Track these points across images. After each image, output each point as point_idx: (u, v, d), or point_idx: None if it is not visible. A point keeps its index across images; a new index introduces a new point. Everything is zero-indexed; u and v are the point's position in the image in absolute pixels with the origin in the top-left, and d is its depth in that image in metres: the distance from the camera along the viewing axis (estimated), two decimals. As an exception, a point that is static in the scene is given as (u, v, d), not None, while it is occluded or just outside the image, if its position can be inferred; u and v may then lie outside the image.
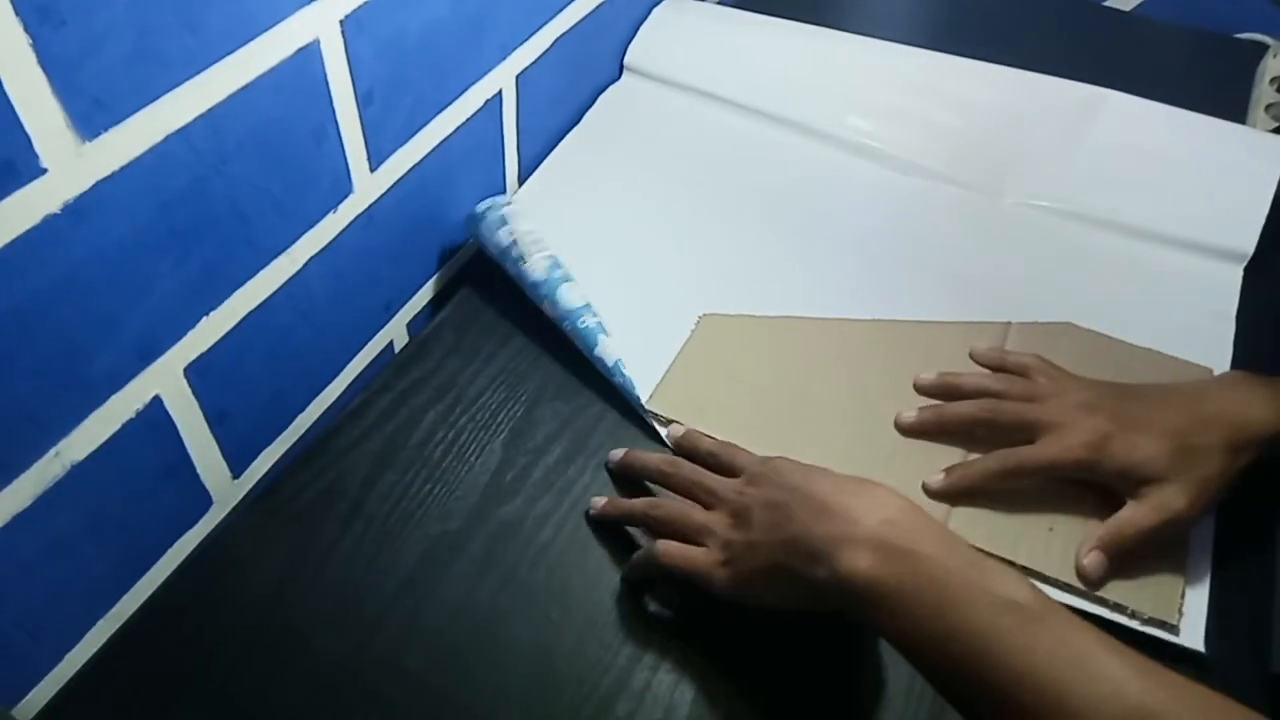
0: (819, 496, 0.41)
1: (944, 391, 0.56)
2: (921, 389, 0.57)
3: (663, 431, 0.55)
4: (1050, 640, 0.35)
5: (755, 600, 0.44)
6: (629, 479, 0.53)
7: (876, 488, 0.42)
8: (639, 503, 0.49)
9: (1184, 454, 0.48)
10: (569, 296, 0.58)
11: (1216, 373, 0.58)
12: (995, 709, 0.36)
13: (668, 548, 0.46)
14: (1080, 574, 0.48)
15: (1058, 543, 0.49)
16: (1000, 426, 0.52)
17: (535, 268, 0.59)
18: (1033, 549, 0.49)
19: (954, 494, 0.51)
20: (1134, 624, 0.47)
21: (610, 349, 0.56)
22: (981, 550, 0.47)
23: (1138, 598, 0.47)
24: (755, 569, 0.43)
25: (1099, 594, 0.48)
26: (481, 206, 0.62)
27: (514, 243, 0.60)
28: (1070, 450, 0.49)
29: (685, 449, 0.52)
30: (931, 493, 0.52)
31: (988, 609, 0.36)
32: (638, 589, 0.48)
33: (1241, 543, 0.51)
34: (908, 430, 0.55)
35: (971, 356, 0.58)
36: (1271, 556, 0.51)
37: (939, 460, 0.53)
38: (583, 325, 0.57)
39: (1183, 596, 0.48)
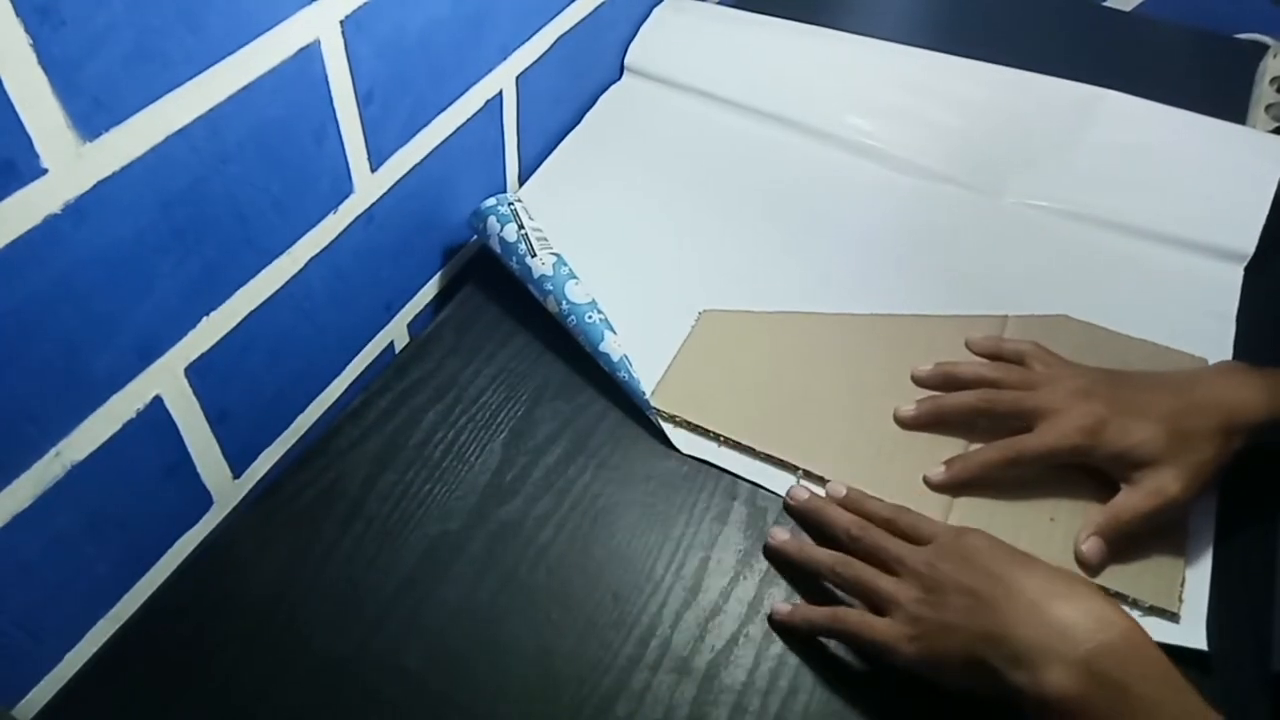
0: (1028, 595, 0.40)
1: (942, 382, 0.56)
2: (919, 380, 0.57)
3: (667, 429, 0.55)
4: None
5: (938, 678, 0.43)
6: (804, 523, 0.51)
7: (1091, 596, 0.41)
8: (825, 556, 0.48)
9: (1177, 438, 0.48)
10: (576, 293, 0.58)
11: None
12: None
13: (850, 615, 0.45)
14: (1079, 560, 0.49)
15: (1059, 532, 0.50)
16: (998, 415, 0.53)
17: (543, 263, 0.59)
18: (1034, 539, 0.49)
19: (955, 486, 0.52)
20: (1135, 614, 0.47)
21: (615, 346, 0.56)
22: None
23: (1138, 586, 0.48)
24: (949, 653, 0.42)
25: (1100, 583, 0.48)
26: (489, 201, 0.62)
27: (522, 238, 0.60)
28: (1066, 436, 0.50)
29: (853, 507, 0.50)
30: (933, 485, 0.52)
31: None
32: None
33: (1242, 539, 0.51)
34: (907, 424, 0.55)
35: (967, 345, 0.59)
36: (1273, 554, 0.51)
37: (939, 453, 0.53)
38: (589, 321, 0.57)
39: (1183, 584, 0.48)
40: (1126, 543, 0.49)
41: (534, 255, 0.59)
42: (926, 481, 0.52)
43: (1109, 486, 0.50)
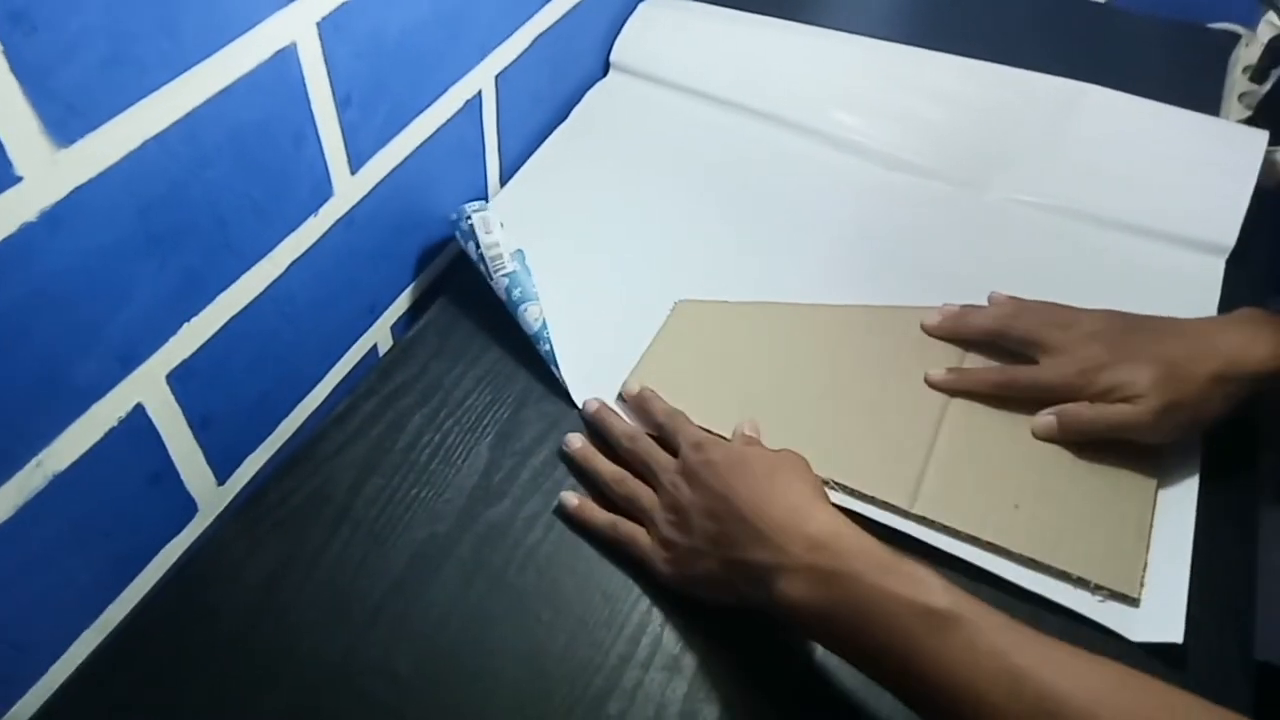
0: (751, 515, 0.43)
1: (964, 314, 0.59)
2: (928, 327, 0.59)
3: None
4: (961, 642, 0.36)
5: (697, 595, 0.46)
6: (597, 433, 0.54)
7: (789, 481, 0.44)
8: (605, 468, 0.52)
9: (1167, 379, 0.50)
10: (528, 319, 0.58)
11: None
12: (927, 713, 0.37)
13: (623, 526, 0.49)
14: (1033, 429, 0.53)
15: (1023, 519, 0.50)
16: (1010, 339, 0.56)
17: (498, 286, 0.59)
18: (999, 525, 0.50)
19: (951, 390, 0.56)
20: (1095, 599, 0.47)
21: (562, 376, 0.57)
22: (947, 527, 0.49)
23: (1100, 570, 0.48)
24: (698, 575, 0.45)
25: (1061, 567, 0.48)
26: (452, 216, 0.62)
27: (480, 258, 0.60)
28: (1062, 375, 0.53)
29: (637, 409, 0.55)
30: (931, 383, 0.56)
31: (905, 620, 0.37)
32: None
33: (1221, 529, 0.51)
34: (929, 330, 0.59)
35: (990, 299, 0.60)
36: (1254, 542, 0.51)
37: (911, 441, 0.54)
38: (544, 350, 0.57)
39: (1145, 570, 0.48)
40: (1078, 438, 0.52)
41: (491, 278, 0.59)
42: (926, 379, 0.56)
43: (1080, 477, 0.51)
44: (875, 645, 0.38)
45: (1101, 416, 0.51)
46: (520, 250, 0.60)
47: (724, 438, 0.54)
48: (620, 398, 0.56)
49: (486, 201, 0.69)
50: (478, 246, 0.59)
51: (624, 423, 0.54)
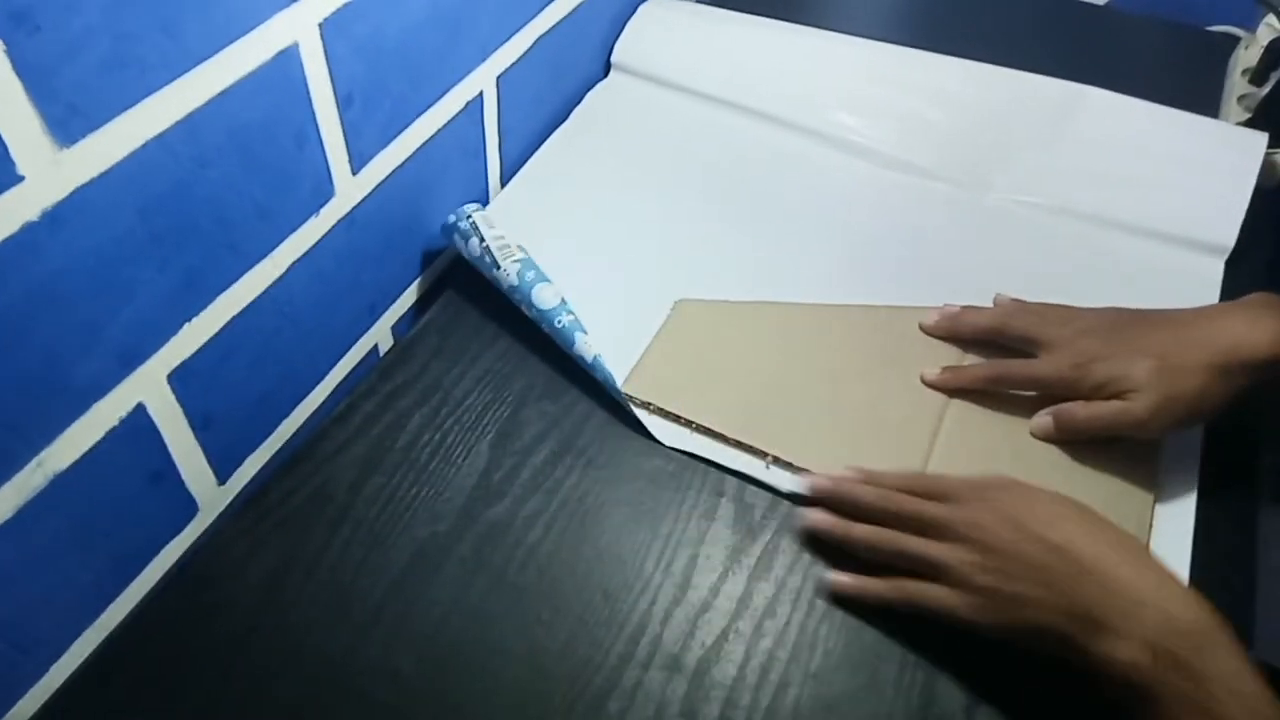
0: (1097, 566, 0.41)
1: (962, 314, 0.59)
2: (927, 327, 0.59)
3: (643, 417, 0.55)
4: None
5: (1010, 641, 0.43)
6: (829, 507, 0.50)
7: (1150, 559, 0.42)
8: (864, 531, 0.48)
9: (1162, 371, 0.49)
10: (544, 296, 0.58)
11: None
12: None
13: (910, 584, 0.45)
14: (1031, 429, 0.53)
15: None
16: (1007, 336, 0.56)
17: (508, 273, 0.59)
18: None
19: (947, 388, 0.56)
20: None
21: (588, 345, 0.56)
22: None
23: None
24: (1023, 623, 0.42)
25: None
26: (450, 219, 0.62)
27: (485, 250, 0.60)
28: (1058, 369, 0.52)
29: (871, 483, 0.50)
30: (927, 382, 0.56)
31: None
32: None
33: (1221, 529, 0.51)
34: (928, 329, 0.59)
35: (995, 301, 0.60)
36: (1254, 542, 0.51)
37: (910, 442, 0.54)
38: (559, 324, 0.57)
39: None
40: (1075, 437, 0.52)
41: (499, 267, 0.59)
42: (922, 378, 0.56)
43: (1079, 480, 0.51)
44: None
45: (1097, 415, 0.51)
46: (523, 246, 0.60)
47: (723, 435, 0.54)
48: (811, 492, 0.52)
49: (488, 202, 0.70)
50: (482, 241, 0.60)
51: (871, 488, 0.49)
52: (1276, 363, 0.48)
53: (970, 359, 0.58)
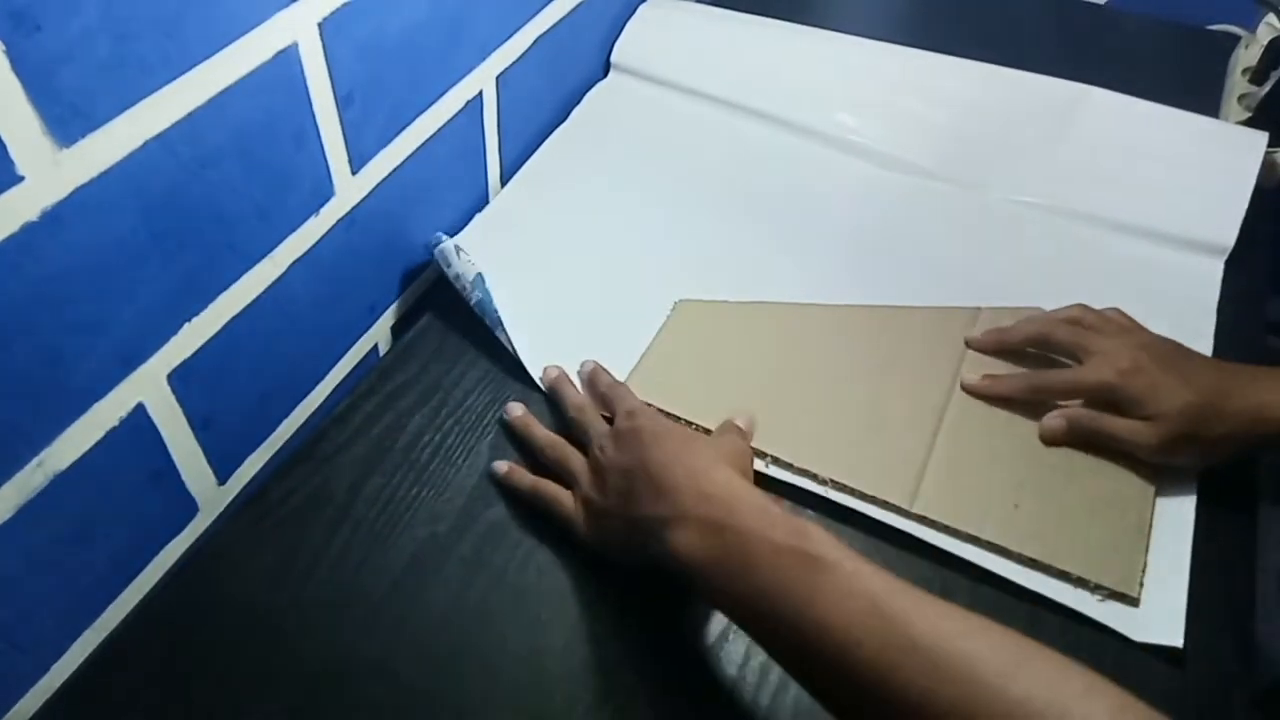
0: (656, 474, 0.44)
1: (1007, 327, 0.58)
2: (972, 343, 0.59)
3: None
4: (835, 586, 0.37)
5: (608, 556, 0.48)
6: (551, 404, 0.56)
7: (701, 449, 0.45)
8: (540, 435, 0.53)
9: (1198, 410, 0.49)
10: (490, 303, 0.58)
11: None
12: (799, 661, 0.38)
13: (547, 487, 0.50)
14: (1040, 431, 0.53)
15: (1022, 519, 0.50)
16: (1053, 346, 0.56)
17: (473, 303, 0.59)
18: (998, 524, 0.50)
19: (987, 396, 0.56)
20: (1094, 598, 0.48)
21: (509, 340, 0.57)
22: (947, 526, 0.50)
23: (1099, 570, 0.48)
24: (608, 536, 0.47)
25: (1060, 566, 0.48)
26: (433, 240, 0.62)
27: (456, 278, 0.60)
28: (1102, 376, 0.52)
29: (587, 383, 0.56)
30: (966, 388, 0.56)
31: (784, 565, 0.38)
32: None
33: (1221, 529, 0.51)
34: (973, 344, 0.58)
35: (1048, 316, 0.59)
36: (1254, 543, 0.51)
37: (910, 442, 0.54)
38: (493, 312, 0.58)
39: (1144, 571, 0.48)
40: (1083, 441, 0.53)
41: (469, 302, 0.59)
42: (962, 384, 0.56)
43: (1080, 480, 0.51)
44: (755, 591, 0.39)
45: (1111, 428, 0.51)
46: (480, 274, 0.59)
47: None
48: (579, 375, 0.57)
49: (488, 202, 0.70)
50: (451, 269, 0.60)
51: (577, 394, 0.55)
52: None
53: (971, 360, 0.58)
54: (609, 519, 0.47)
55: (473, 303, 0.59)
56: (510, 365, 0.59)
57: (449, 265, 0.60)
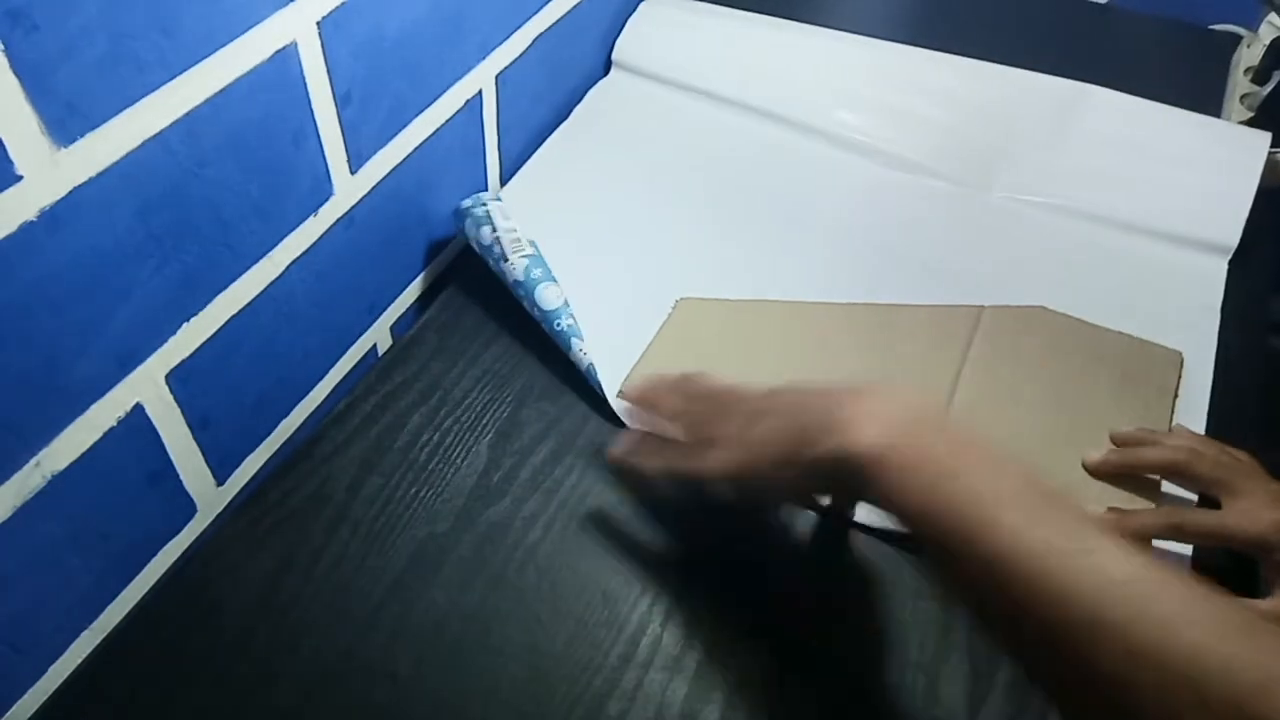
0: (835, 393, 0.42)
1: (1136, 451, 0.53)
2: (1118, 439, 0.54)
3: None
4: (1054, 525, 0.34)
5: (749, 489, 0.46)
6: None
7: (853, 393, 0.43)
8: (668, 400, 0.50)
9: None
10: (547, 296, 0.58)
11: (1197, 361, 0.58)
12: (987, 582, 0.35)
13: (682, 457, 0.47)
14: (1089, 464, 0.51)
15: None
16: (1194, 478, 0.50)
17: (515, 267, 0.59)
18: None
19: (1120, 529, 0.48)
20: None
21: (583, 353, 0.56)
22: None
23: None
24: (760, 457, 0.43)
25: None
26: (466, 202, 0.62)
27: (495, 241, 0.60)
28: (1257, 523, 0.47)
29: (649, 398, 0.52)
30: (1090, 469, 0.52)
31: (996, 480, 0.36)
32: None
33: (1223, 555, 0.51)
34: (1095, 470, 0.52)
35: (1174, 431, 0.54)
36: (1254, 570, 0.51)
37: None
38: (558, 328, 0.57)
39: None
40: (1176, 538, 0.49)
41: (507, 260, 0.59)
42: (1085, 464, 0.52)
43: (1083, 481, 0.51)
44: (949, 495, 0.36)
45: (1214, 535, 0.48)
46: (533, 241, 0.60)
47: None
48: (620, 395, 0.56)
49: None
50: (494, 230, 0.60)
51: (671, 396, 0.51)
52: None
53: (974, 352, 0.58)
54: (766, 442, 0.43)
55: (520, 256, 0.59)
56: (510, 365, 0.59)
57: (505, 218, 0.60)
